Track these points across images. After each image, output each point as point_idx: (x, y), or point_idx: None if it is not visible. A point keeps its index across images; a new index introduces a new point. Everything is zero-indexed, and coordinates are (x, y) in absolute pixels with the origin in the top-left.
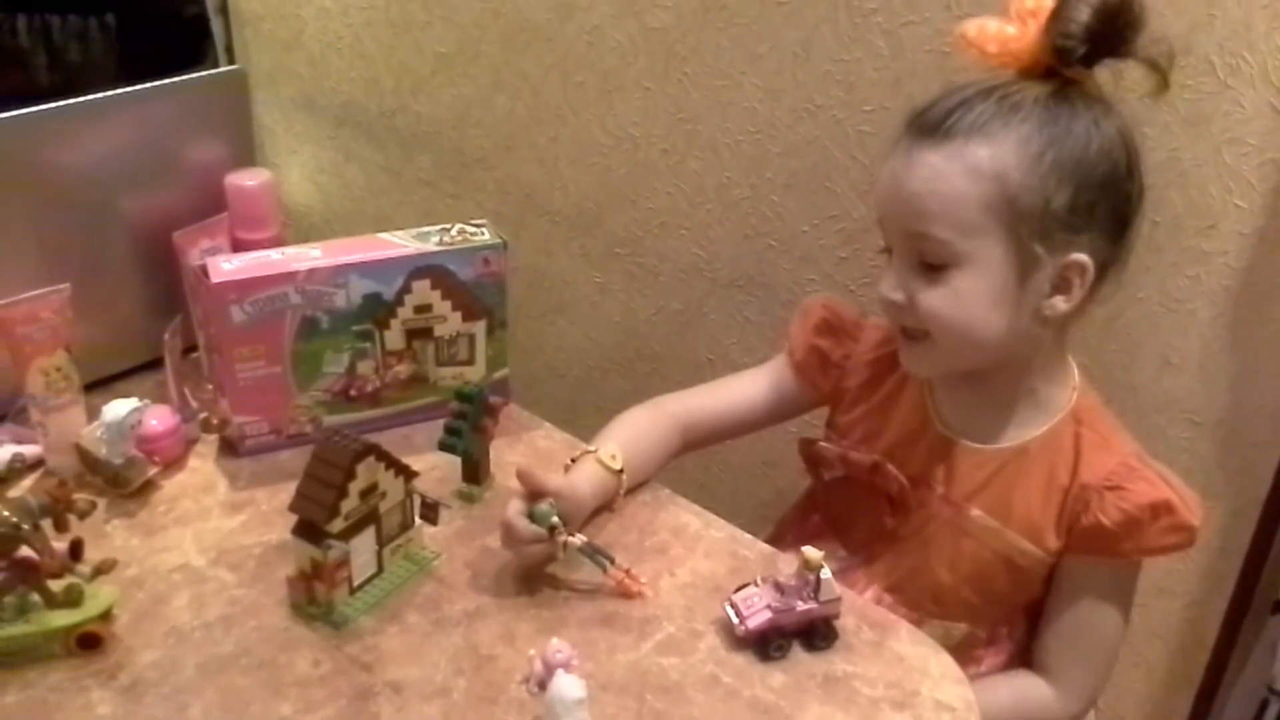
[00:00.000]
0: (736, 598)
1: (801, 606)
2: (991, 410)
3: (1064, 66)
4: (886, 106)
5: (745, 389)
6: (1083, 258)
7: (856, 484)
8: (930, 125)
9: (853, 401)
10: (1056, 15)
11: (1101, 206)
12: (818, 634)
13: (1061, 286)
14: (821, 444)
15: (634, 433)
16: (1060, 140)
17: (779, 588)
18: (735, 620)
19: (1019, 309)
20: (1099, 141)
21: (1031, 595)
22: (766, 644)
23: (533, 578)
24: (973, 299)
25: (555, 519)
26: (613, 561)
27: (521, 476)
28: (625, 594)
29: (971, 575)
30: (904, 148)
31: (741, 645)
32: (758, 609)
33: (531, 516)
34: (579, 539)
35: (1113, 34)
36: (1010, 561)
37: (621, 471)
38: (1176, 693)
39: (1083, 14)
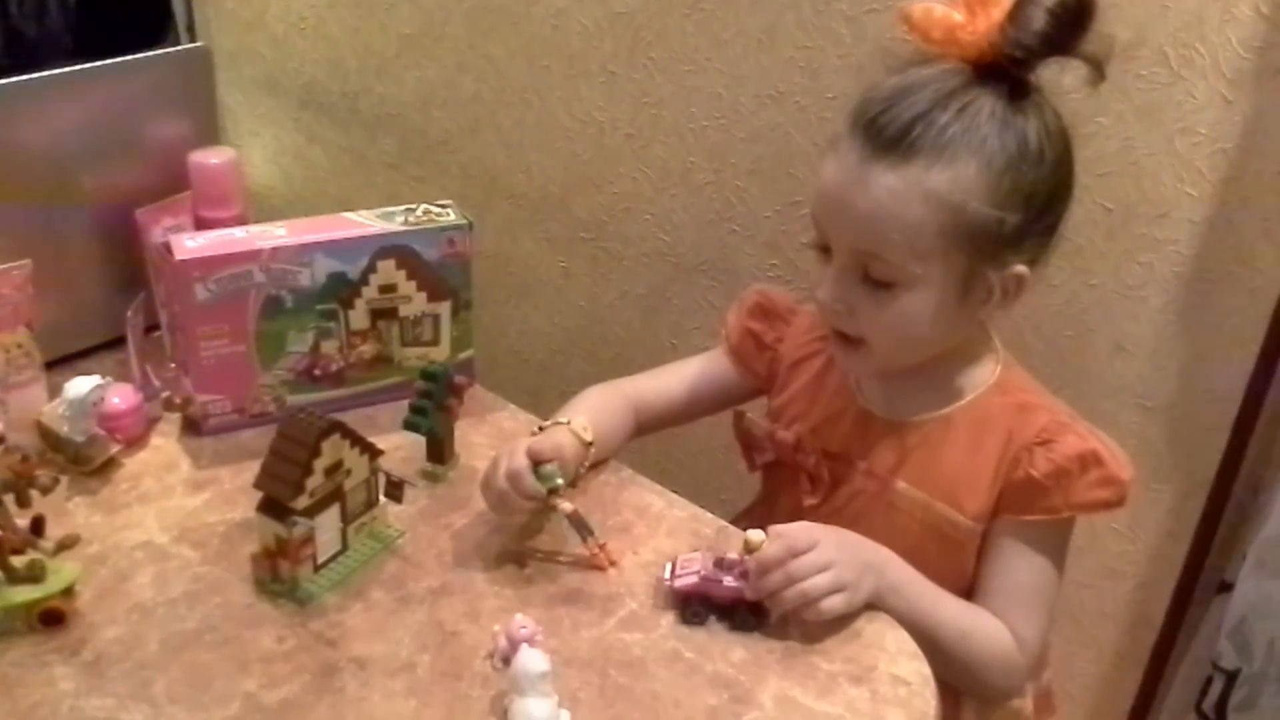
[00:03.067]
0: (679, 558)
1: (730, 583)
2: (915, 387)
3: (1016, 70)
4: (849, 94)
5: (690, 375)
6: (1023, 269)
7: (786, 466)
8: (888, 141)
9: (784, 384)
10: (1013, 19)
11: (1046, 219)
12: (739, 614)
13: (1001, 297)
14: (749, 418)
15: (597, 409)
16: (1018, 162)
17: (719, 562)
18: (667, 577)
19: (958, 318)
20: (1052, 154)
21: (965, 572)
22: (685, 607)
23: (498, 552)
24: (917, 317)
25: (559, 480)
26: (593, 535)
27: (531, 452)
28: (595, 566)
29: (905, 550)
30: (855, 156)
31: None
32: (689, 572)
33: (537, 474)
34: (568, 505)
35: (1065, 37)
36: (940, 533)
37: (591, 444)
38: (1125, 672)
39: (1039, 22)
